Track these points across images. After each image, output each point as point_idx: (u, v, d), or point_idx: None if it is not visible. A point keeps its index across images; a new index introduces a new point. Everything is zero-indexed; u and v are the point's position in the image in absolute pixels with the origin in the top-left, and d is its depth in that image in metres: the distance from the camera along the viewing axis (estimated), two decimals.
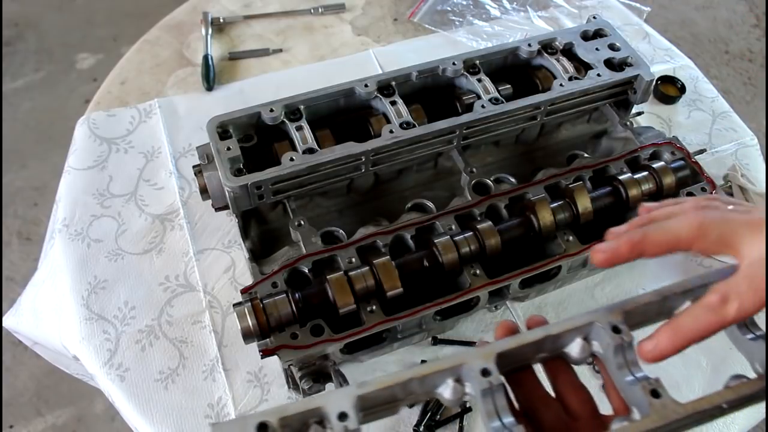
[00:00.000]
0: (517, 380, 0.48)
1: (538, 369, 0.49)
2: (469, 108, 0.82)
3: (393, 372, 0.44)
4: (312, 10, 1.29)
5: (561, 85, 0.84)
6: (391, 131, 0.78)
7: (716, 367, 0.83)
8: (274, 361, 0.78)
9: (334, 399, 0.42)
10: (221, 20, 1.26)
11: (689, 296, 0.48)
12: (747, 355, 0.48)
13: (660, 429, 0.42)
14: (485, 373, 0.43)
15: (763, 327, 0.48)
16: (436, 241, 0.71)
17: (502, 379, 0.44)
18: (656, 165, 0.79)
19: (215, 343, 0.85)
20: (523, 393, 0.48)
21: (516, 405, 0.47)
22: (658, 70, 1.18)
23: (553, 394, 0.49)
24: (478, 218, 0.75)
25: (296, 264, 0.71)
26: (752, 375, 0.46)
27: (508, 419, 0.43)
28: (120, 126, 1.08)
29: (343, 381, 0.70)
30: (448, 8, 1.31)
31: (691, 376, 0.82)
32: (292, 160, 0.75)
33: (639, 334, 0.48)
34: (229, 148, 0.75)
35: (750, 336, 0.47)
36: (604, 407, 0.48)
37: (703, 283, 0.48)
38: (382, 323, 0.68)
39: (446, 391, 0.45)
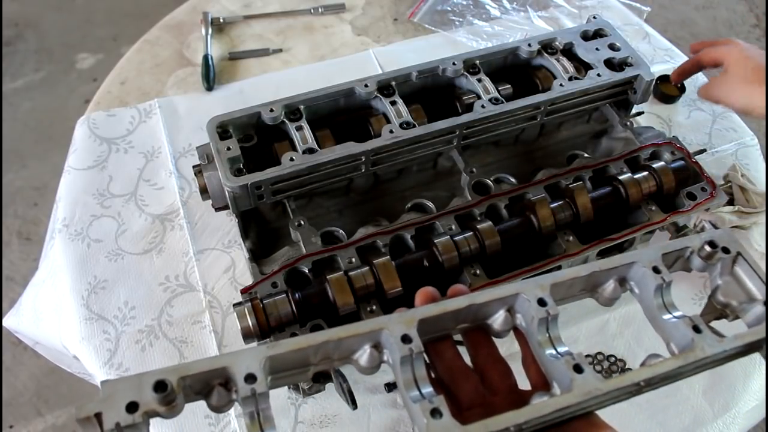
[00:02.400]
0: (436, 350, 0.47)
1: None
2: (469, 108, 0.82)
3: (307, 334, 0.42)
4: (312, 10, 1.29)
5: (561, 85, 0.84)
6: (391, 131, 0.78)
7: None
8: None
9: (241, 359, 0.39)
10: (221, 20, 1.26)
11: (614, 274, 0.49)
12: (664, 336, 0.47)
13: (580, 404, 0.41)
14: (406, 339, 0.41)
15: (681, 310, 0.48)
16: (436, 241, 0.71)
17: (423, 347, 0.42)
18: (656, 165, 0.79)
19: (215, 343, 0.85)
20: (442, 364, 0.47)
21: (433, 376, 0.46)
22: (658, 70, 1.18)
23: (471, 366, 0.48)
24: (478, 218, 0.75)
25: (296, 264, 0.71)
26: (667, 355, 0.46)
27: (427, 389, 0.41)
28: (120, 126, 1.08)
29: (343, 381, 0.70)
30: (448, 8, 1.31)
31: None
32: (292, 160, 0.75)
33: (574, 302, 0.48)
34: (229, 148, 0.75)
35: (668, 317, 0.47)
36: (523, 383, 0.48)
37: (630, 261, 0.48)
38: None
39: (363, 358, 0.43)
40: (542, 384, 0.45)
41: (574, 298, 0.50)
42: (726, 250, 0.50)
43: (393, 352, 0.42)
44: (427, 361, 0.46)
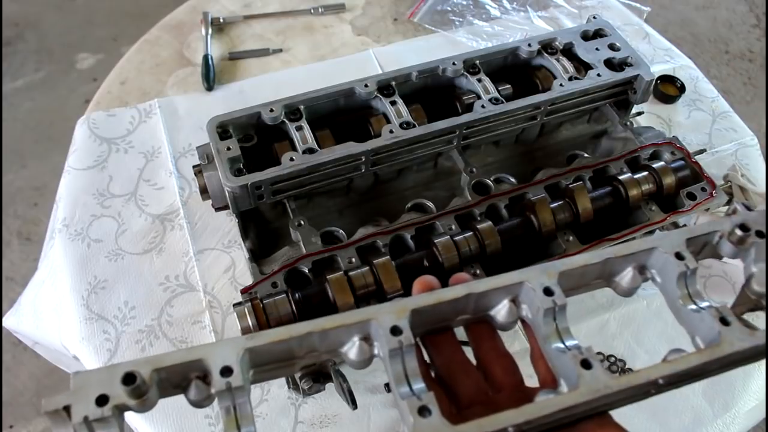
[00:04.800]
0: (435, 343, 0.43)
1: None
2: (469, 108, 0.82)
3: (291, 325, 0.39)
4: (312, 10, 1.29)
5: (561, 85, 0.84)
6: (391, 131, 0.78)
7: None
8: None
9: (218, 351, 0.36)
10: (221, 20, 1.26)
11: (632, 261, 0.45)
12: (688, 329, 0.43)
13: (588, 404, 0.37)
14: (395, 331, 0.38)
15: (709, 301, 0.44)
16: (436, 241, 0.71)
17: (414, 339, 0.38)
18: (656, 165, 0.79)
19: None
20: (441, 358, 0.43)
21: (432, 372, 0.43)
22: (658, 70, 1.18)
23: (474, 361, 0.44)
24: (478, 218, 0.75)
25: (296, 264, 0.71)
26: (692, 350, 0.41)
27: (418, 385, 0.37)
28: (120, 126, 1.08)
29: (343, 381, 0.70)
30: (448, 8, 1.31)
31: None
32: (292, 160, 0.75)
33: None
34: (229, 148, 0.75)
35: (693, 308, 0.43)
36: (530, 380, 0.45)
37: (650, 247, 0.44)
38: None
39: (352, 351, 0.40)
40: (551, 381, 0.42)
41: (588, 287, 0.46)
42: (761, 234, 0.45)
43: (382, 344, 0.38)
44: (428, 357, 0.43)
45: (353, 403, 0.73)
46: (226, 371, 0.35)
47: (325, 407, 0.81)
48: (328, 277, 0.67)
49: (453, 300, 0.41)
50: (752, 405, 0.85)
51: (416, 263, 0.71)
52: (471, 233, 0.72)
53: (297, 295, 0.67)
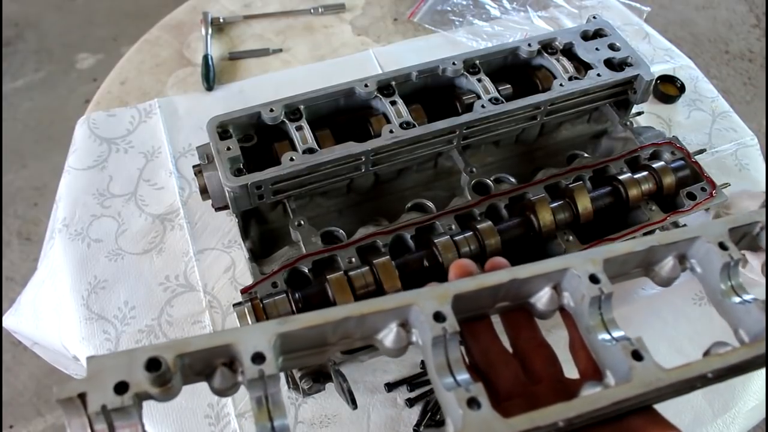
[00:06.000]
0: (472, 331, 0.41)
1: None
2: (469, 108, 0.82)
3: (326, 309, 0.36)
4: (312, 10, 1.29)
5: (561, 85, 0.84)
6: (391, 131, 0.78)
7: None
8: None
9: (248, 335, 0.33)
10: (221, 20, 1.26)
11: (673, 250, 0.43)
12: (731, 322, 0.42)
13: (639, 397, 0.36)
14: (439, 317, 0.36)
15: (753, 294, 0.43)
16: (436, 241, 0.71)
17: (458, 326, 0.36)
18: (656, 165, 0.79)
19: None
20: (478, 346, 0.41)
21: (467, 360, 0.41)
22: (658, 69, 1.18)
23: (511, 351, 0.43)
24: (478, 218, 0.75)
25: (296, 264, 0.71)
26: (736, 344, 0.40)
27: (463, 376, 0.35)
28: (120, 126, 1.08)
29: (343, 381, 0.70)
30: (448, 8, 1.31)
31: None
32: (292, 160, 0.75)
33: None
34: (229, 148, 0.75)
35: (737, 300, 0.41)
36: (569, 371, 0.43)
37: (693, 236, 0.42)
38: None
39: (388, 338, 0.37)
40: (592, 372, 0.40)
41: (628, 276, 0.44)
42: None
43: (423, 331, 0.36)
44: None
45: (353, 403, 0.73)
46: (258, 358, 0.33)
47: (325, 407, 0.81)
48: (328, 277, 0.67)
49: (495, 286, 0.39)
50: (752, 405, 0.85)
51: (416, 263, 0.71)
52: (471, 233, 0.72)
53: (297, 295, 0.67)
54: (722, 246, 0.42)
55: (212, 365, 0.34)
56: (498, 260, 0.42)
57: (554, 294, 0.41)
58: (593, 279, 0.39)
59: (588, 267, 0.39)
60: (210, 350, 0.33)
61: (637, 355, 0.37)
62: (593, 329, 0.39)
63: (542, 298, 0.41)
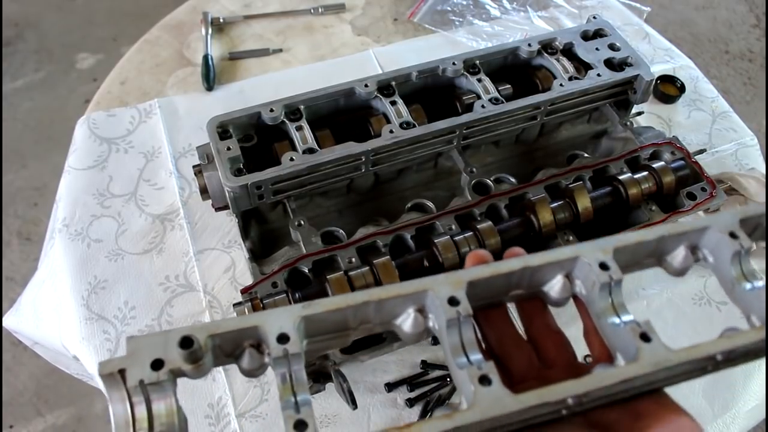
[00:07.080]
0: (487, 318, 0.43)
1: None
2: (469, 108, 0.82)
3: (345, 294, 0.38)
4: (312, 10, 1.29)
5: (561, 85, 0.84)
6: (391, 131, 0.78)
7: None
8: None
9: (273, 318, 0.36)
10: (221, 20, 1.26)
11: (684, 240, 0.44)
12: (743, 308, 0.43)
13: (647, 376, 0.37)
14: (453, 302, 0.38)
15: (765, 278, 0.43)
16: (436, 241, 0.71)
17: (471, 309, 0.38)
18: (656, 165, 0.79)
19: None
20: (493, 332, 0.43)
21: (483, 346, 0.42)
22: (658, 70, 1.18)
23: (525, 337, 0.44)
24: (478, 218, 0.75)
25: (296, 264, 0.71)
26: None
27: (476, 356, 0.37)
28: (120, 126, 1.08)
29: (343, 381, 0.70)
30: (448, 8, 1.31)
31: None
32: (292, 160, 0.75)
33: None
34: (229, 148, 0.75)
35: (749, 287, 0.42)
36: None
37: (704, 226, 0.43)
38: None
39: (406, 323, 0.39)
40: (606, 357, 0.41)
41: (640, 266, 0.45)
42: None
43: (439, 315, 0.38)
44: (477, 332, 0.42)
45: (353, 403, 0.73)
46: (283, 338, 0.35)
47: (325, 407, 0.81)
48: (328, 277, 0.67)
49: (508, 273, 0.40)
50: (752, 405, 0.85)
51: (416, 263, 0.71)
52: (471, 233, 0.72)
53: (297, 294, 0.67)
54: (733, 235, 0.42)
55: (241, 346, 0.36)
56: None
57: (566, 282, 0.42)
58: (603, 266, 0.40)
59: (598, 255, 0.41)
60: (238, 331, 0.36)
61: (645, 337, 0.38)
62: (603, 314, 0.40)
63: (555, 286, 0.42)
